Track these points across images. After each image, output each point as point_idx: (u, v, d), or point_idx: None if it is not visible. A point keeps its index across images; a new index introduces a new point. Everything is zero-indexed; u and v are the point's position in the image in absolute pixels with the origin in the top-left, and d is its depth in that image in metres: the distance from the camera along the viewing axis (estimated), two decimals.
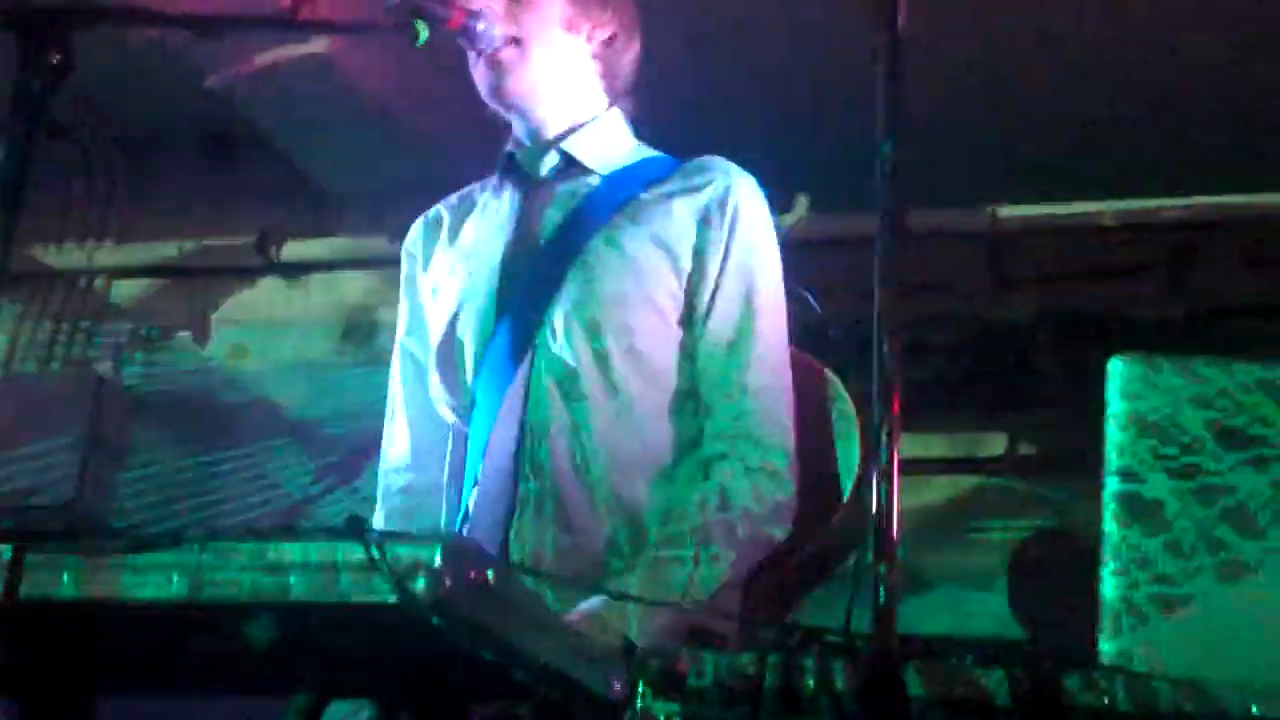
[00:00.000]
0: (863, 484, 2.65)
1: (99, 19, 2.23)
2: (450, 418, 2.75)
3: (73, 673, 2.11)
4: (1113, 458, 1.73)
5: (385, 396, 2.92)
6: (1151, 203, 5.59)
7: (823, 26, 4.88)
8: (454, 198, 2.94)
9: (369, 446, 3.29)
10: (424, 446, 2.82)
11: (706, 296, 2.64)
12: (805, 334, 2.82)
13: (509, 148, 2.81)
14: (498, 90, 2.71)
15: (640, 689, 1.61)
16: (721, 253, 2.65)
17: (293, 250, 6.12)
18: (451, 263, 2.80)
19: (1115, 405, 1.76)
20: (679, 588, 2.43)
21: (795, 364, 2.72)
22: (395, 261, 5.69)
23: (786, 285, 2.73)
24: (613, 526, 2.56)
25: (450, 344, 2.71)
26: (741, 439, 2.58)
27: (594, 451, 2.59)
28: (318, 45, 4.96)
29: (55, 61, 1.98)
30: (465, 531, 2.57)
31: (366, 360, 5.80)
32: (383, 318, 5.83)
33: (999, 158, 5.38)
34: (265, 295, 6.20)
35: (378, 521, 2.77)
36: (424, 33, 2.53)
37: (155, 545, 1.70)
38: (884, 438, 1.48)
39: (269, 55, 5.02)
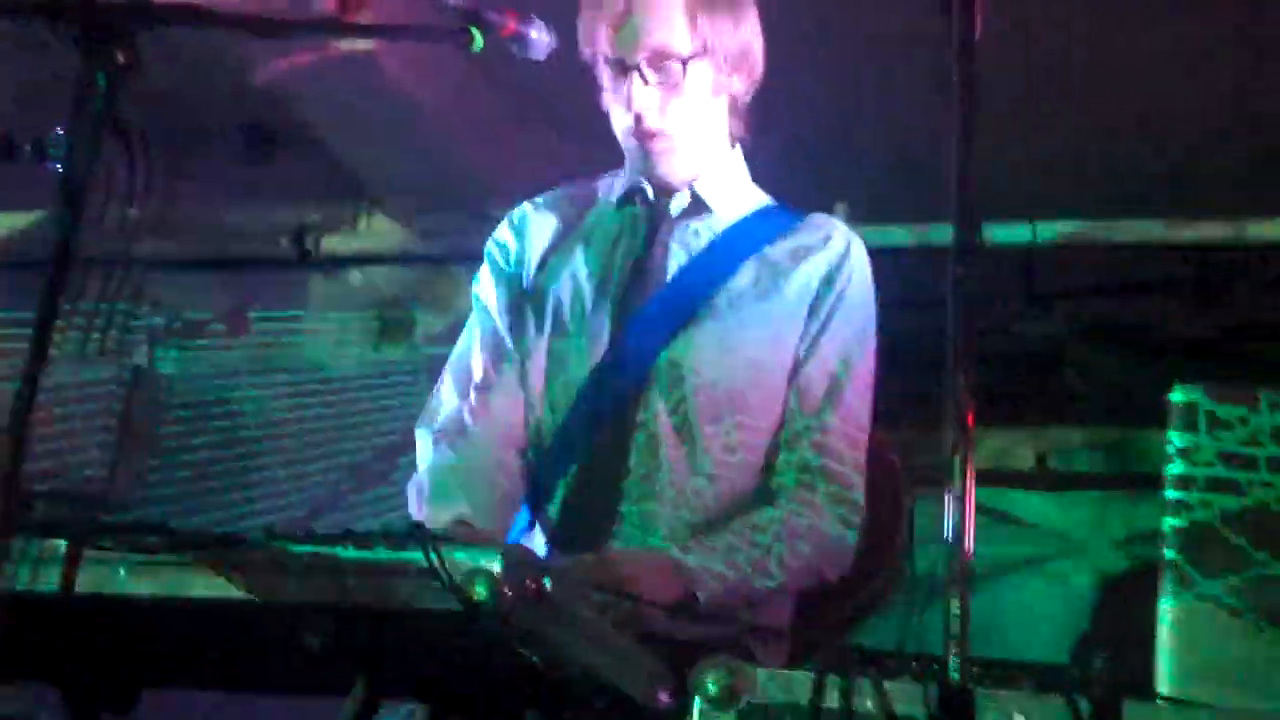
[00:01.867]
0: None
1: (159, 19, 2.25)
2: (519, 421, 2.76)
3: (122, 666, 2.12)
4: (1173, 487, 1.72)
5: (420, 391, 2.91)
6: (1185, 220, 5.58)
7: (869, 36, 4.88)
8: (560, 195, 2.95)
9: (404, 443, 3.29)
10: (501, 419, 2.81)
11: (805, 349, 2.70)
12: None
13: (634, 181, 2.82)
14: (642, 134, 2.70)
15: (698, 705, 1.61)
16: (828, 316, 2.71)
17: (330, 244, 6.13)
18: (555, 276, 2.82)
19: (1177, 436, 1.75)
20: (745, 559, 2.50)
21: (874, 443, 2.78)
22: (431, 258, 5.70)
23: None
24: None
25: (552, 353, 2.76)
26: (817, 481, 2.61)
27: (695, 488, 2.62)
28: (361, 44, 4.97)
29: (122, 61, 1.98)
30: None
31: (402, 355, 5.81)
32: (419, 313, 5.83)
33: (1036, 173, 5.37)
34: (302, 288, 6.21)
35: (414, 491, 2.77)
36: (479, 39, 2.53)
37: (215, 545, 1.71)
38: (958, 462, 1.47)
39: (313, 52, 5.03)
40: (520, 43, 2.64)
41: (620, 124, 2.72)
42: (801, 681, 1.61)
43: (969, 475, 1.46)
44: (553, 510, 2.65)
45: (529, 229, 2.89)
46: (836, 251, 2.75)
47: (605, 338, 2.70)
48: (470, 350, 2.88)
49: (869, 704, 1.55)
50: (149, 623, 1.85)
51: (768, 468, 2.66)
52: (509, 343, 2.83)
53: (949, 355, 1.60)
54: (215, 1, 2.34)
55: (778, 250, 2.76)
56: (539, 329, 2.76)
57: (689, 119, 2.70)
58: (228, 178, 6.32)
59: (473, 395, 2.82)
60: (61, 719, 2.09)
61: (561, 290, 2.77)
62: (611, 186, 2.86)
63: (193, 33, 5.15)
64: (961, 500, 1.45)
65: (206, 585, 1.71)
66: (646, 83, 2.65)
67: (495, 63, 2.75)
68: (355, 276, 6.13)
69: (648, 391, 2.65)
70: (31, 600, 1.77)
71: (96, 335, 6.29)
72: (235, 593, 1.69)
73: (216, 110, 6.16)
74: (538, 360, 2.75)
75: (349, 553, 1.64)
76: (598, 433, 2.66)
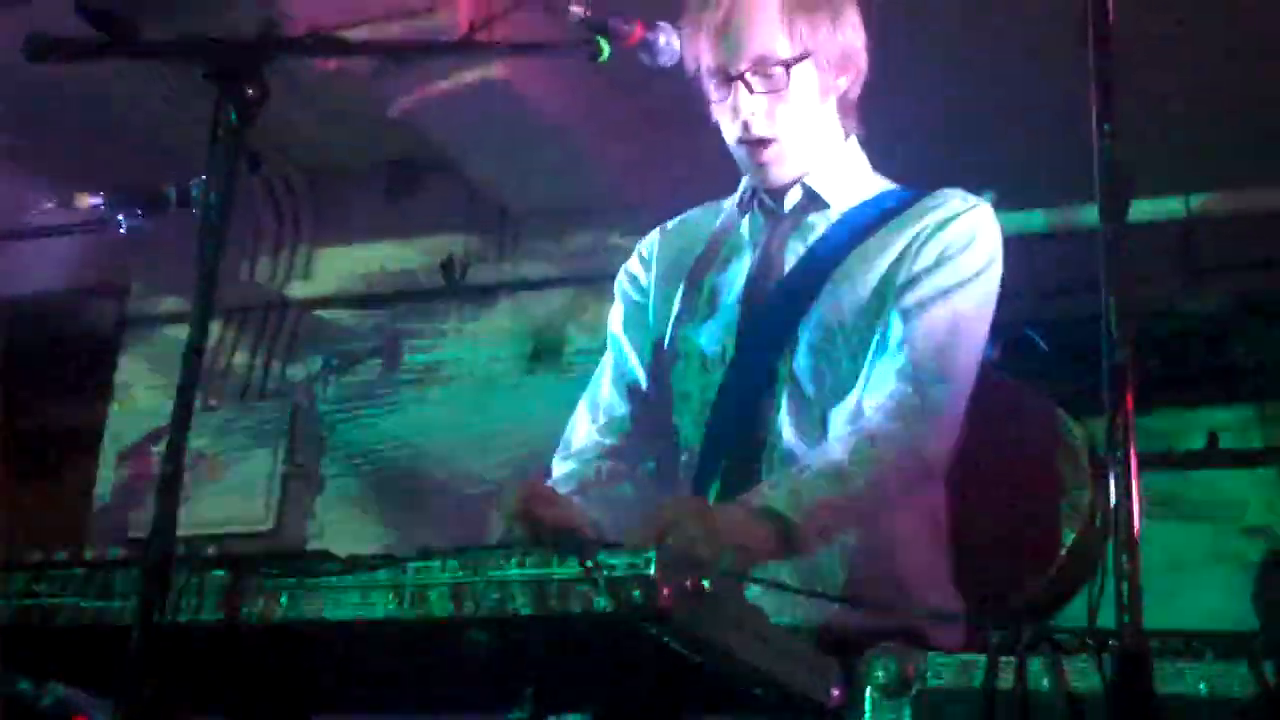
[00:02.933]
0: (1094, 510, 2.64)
1: (290, 50, 2.27)
2: (662, 423, 2.76)
3: (289, 693, 2.14)
4: None
5: (574, 411, 2.92)
6: None
7: (1009, 20, 4.82)
8: (691, 216, 2.96)
9: None
10: (637, 429, 2.81)
11: (912, 305, 2.61)
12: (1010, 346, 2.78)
13: (752, 181, 2.81)
14: (752, 141, 2.69)
15: (870, 695, 1.58)
16: (933, 262, 2.63)
17: (477, 273, 6.18)
18: (685, 286, 2.82)
19: None
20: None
21: (1025, 402, 2.71)
22: (579, 280, 5.72)
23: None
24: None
25: (683, 359, 2.74)
26: (907, 409, 2.54)
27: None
28: (496, 70, 5.01)
29: (251, 94, 2.00)
30: None
31: (555, 379, 5.83)
32: (570, 336, 5.85)
33: (1192, 144, 5.25)
34: (453, 318, 6.26)
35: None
36: (606, 49, 2.52)
37: (371, 566, 1.71)
38: (1120, 431, 1.42)
39: (448, 81, 5.08)
40: (648, 50, 2.63)
41: (730, 133, 2.72)
42: (974, 665, 1.58)
43: (1131, 444, 1.41)
44: None
45: (657, 255, 2.91)
46: (947, 213, 2.67)
47: (731, 347, 2.68)
48: (601, 383, 2.90)
49: (1044, 683, 1.51)
50: (313, 647, 1.86)
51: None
52: (641, 376, 2.84)
53: (1103, 323, 1.55)
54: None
55: (889, 227, 2.70)
56: (677, 357, 2.76)
57: (796, 123, 2.69)
58: (374, 213, 6.41)
59: (607, 426, 2.84)
60: None
61: (691, 308, 2.77)
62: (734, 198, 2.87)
63: (327, 76, 5.23)
64: (1126, 469, 1.40)
65: (367, 607, 1.71)
66: (751, 91, 2.65)
67: (629, 75, 2.76)
68: (504, 302, 6.17)
69: (773, 398, 2.63)
70: (196, 630, 1.79)
71: (258, 378, 6.40)
72: (396, 613, 1.69)
73: (356, 149, 6.26)
74: (671, 384, 2.75)
75: (505, 562, 1.63)
76: (730, 450, 2.64)
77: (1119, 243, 1.64)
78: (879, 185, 2.82)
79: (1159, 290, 5.72)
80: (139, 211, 2.89)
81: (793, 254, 2.73)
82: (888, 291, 2.63)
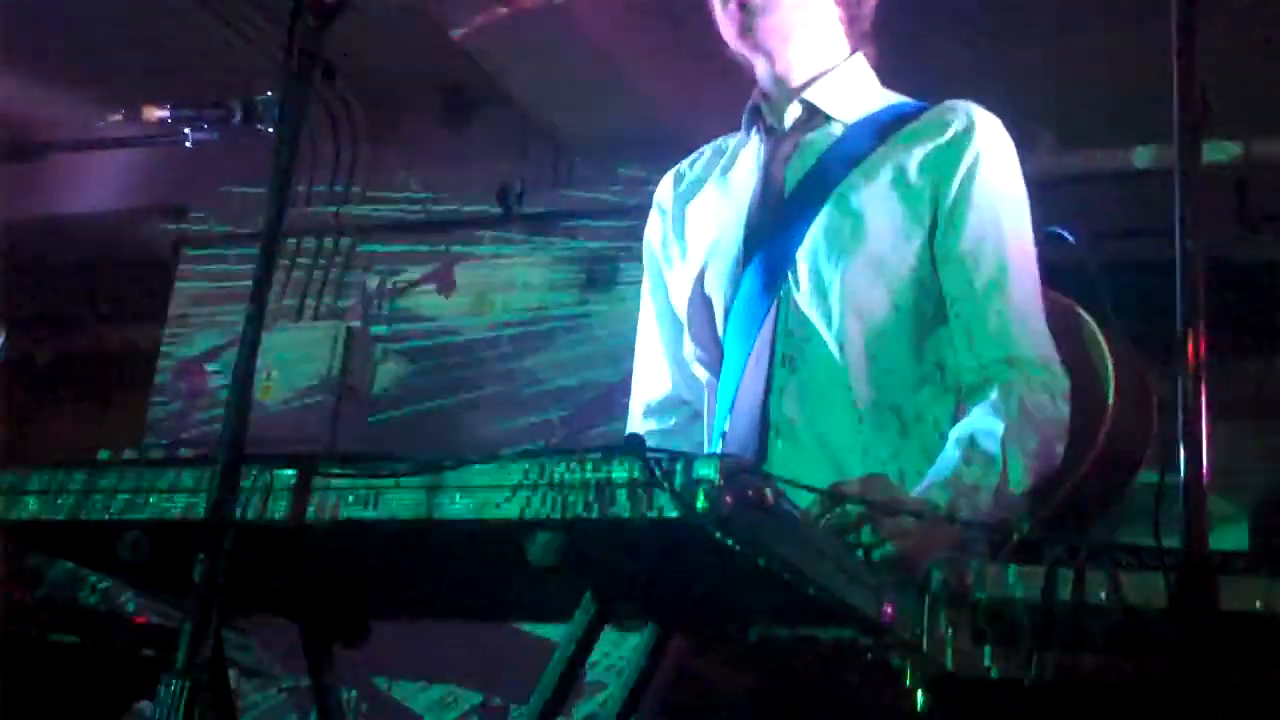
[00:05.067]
0: (1121, 415, 2.61)
1: None
2: (703, 374, 2.76)
3: (353, 595, 2.17)
4: None
5: (627, 339, 2.94)
6: None
7: None
8: (706, 150, 2.92)
9: (613, 392, 3.32)
10: (681, 385, 2.84)
11: (953, 235, 2.59)
12: (1058, 275, 2.76)
13: (754, 100, 2.79)
14: (746, 31, 2.68)
15: (928, 604, 1.60)
16: (963, 193, 2.59)
17: (532, 201, 6.20)
18: (698, 218, 2.80)
19: None
20: (984, 504, 2.37)
21: (1047, 301, 2.67)
22: (631, 210, 5.75)
23: (1037, 224, 2.67)
24: (869, 463, 2.54)
25: (700, 298, 2.73)
26: (1016, 362, 2.53)
27: (842, 395, 2.57)
28: None
29: (328, 1, 2.02)
30: None
31: (608, 308, 5.86)
32: (623, 266, 5.88)
33: (1248, 89, 5.20)
34: (507, 246, 6.29)
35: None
36: None
37: (438, 467, 1.73)
38: (1191, 342, 1.44)
39: (507, 6, 5.08)
40: None
41: (727, 31, 2.69)
42: (1034, 575, 1.59)
43: (1201, 355, 1.43)
44: (719, 442, 2.65)
45: (672, 200, 2.89)
46: (958, 130, 2.63)
47: (738, 271, 2.67)
48: (654, 324, 2.90)
49: (1102, 595, 1.53)
50: (377, 549, 1.88)
51: (938, 367, 2.60)
52: (671, 309, 2.83)
53: (1179, 254, 1.57)
54: None
55: (893, 142, 2.66)
56: (693, 276, 2.75)
57: (791, 19, 2.66)
58: (430, 140, 6.43)
59: (675, 368, 2.85)
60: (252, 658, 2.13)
61: (707, 231, 2.76)
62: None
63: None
64: (1197, 380, 1.41)
65: (431, 508, 1.73)
66: None
67: (686, 5, 2.76)
68: (558, 230, 6.19)
69: (777, 326, 2.62)
70: (262, 528, 1.82)
71: (312, 299, 6.46)
72: (461, 514, 1.71)
73: (414, 76, 6.27)
74: (696, 305, 2.75)
75: (569, 466, 1.65)
76: (745, 362, 2.63)
77: (1193, 182, 1.66)
78: (886, 99, 2.77)
79: (1211, 238, 5.68)
80: (205, 125, 2.90)
81: (794, 174, 2.69)
82: (910, 211, 2.60)
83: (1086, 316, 2.75)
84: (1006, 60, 5.14)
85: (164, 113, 2.91)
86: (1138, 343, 2.66)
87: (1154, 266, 2.46)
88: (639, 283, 2.95)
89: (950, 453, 2.43)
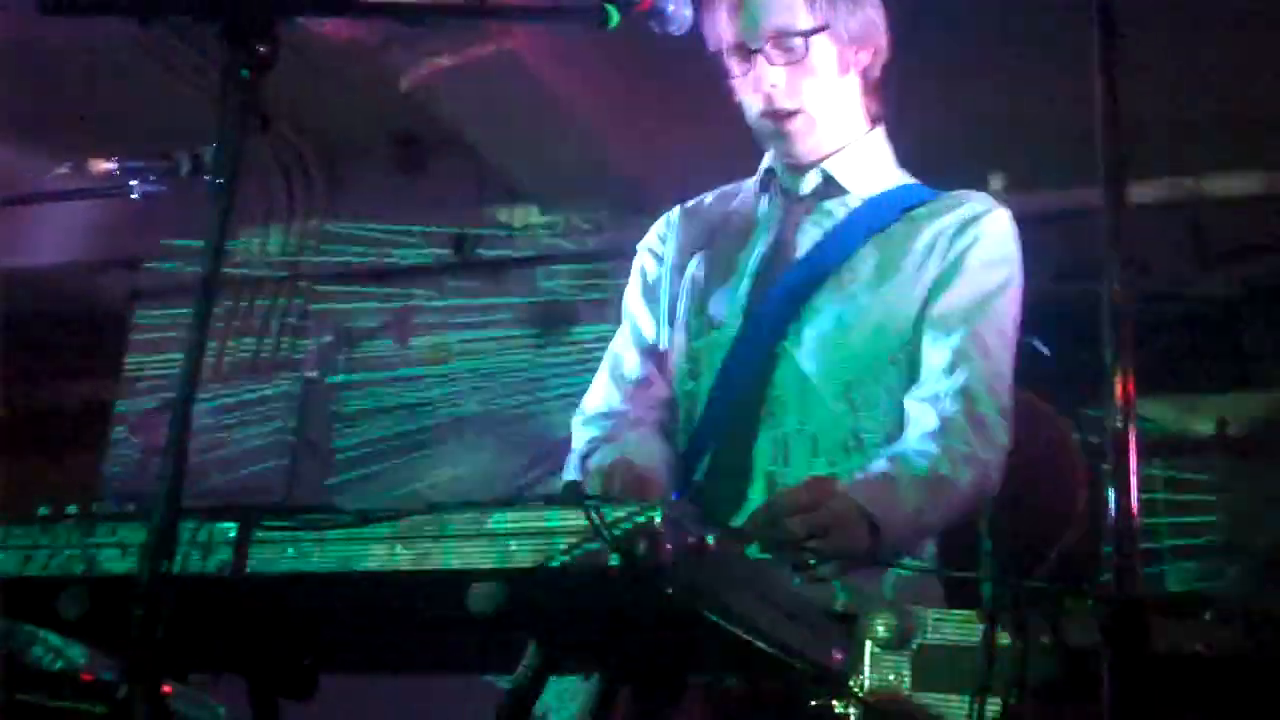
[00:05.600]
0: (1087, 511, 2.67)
1: (301, 8, 2.28)
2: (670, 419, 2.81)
3: (298, 648, 2.15)
4: None
5: (582, 386, 2.95)
6: None
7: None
8: (709, 197, 2.99)
9: (568, 438, 3.31)
10: (654, 392, 2.86)
11: (938, 305, 2.66)
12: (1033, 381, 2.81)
13: (770, 163, 2.85)
14: (790, 95, 2.71)
15: (870, 650, 1.59)
16: (956, 265, 2.68)
17: (488, 248, 6.20)
18: (701, 264, 2.85)
19: None
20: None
21: (1032, 410, 2.75)
22: (589, 256, 5.76)
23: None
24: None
25: (696, 336, 2.78)
26: (955, 433, 2.56)
27: (826, 465, 2.60)
28: (506, 43, 5.02)
29: (262, 51, 2.01)
30: None
31: (565, 354, 5.85)
32: (580, 311, 5.87)
33: (1202, 125, 5.24)
34: (463, 294, 6.28)
35: (572, 461, 2.82)
36: (615, 16, 2.52)
37: (378, 519, 1.73)
38: (1120, 401, 1.45)
39: (458, 55, 5.09)
40: (658, 18, 2.62)
41: (752, 108, 2.76)
42: (973, 620, 1.59)
43: (1131, 416, 1.44)
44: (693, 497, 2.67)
45: (678, 231, 2.95)
46: (966, 215, 2.73)
47: (740, 325, 2.72)
48: (622, 349, 2.93)
49: (1043, 639, 1.53)
50: (320, 598, 1.87)
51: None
52: (659, 343, 2.88)
53: (1104, 312, 1.58)
54: None
55: (904, 223, 2.74)
56: (687, 327, 2.79)
57: (819, 95, 2.73)
58: (384, 188, 6.43)
59: (626, 390, 2.88)
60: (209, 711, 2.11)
61: (707, 284, 2.81)
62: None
63: (338, 48, 5.23)
64: (1125, 438, 1.42)
65: (374, 559, 1.72)
66: (772, 62, 2.70)
67: (638, 50, 2.77)
68: (513, 277, 6.19)
69: (772, 376, 2.66)
70: (203, 582, 1.80)
71: (268, 349, 6.43)
72: (402, 565, 1.71)
73: (368, 124, 6.27)
74: (685, 356, 2.79)
75: (509, 515, 1.64)
76: (732, 419, 2.67)
77: (1119, 224, 1.67)
78: (901, 178, 2.84)
79: (1167, 273, 5.70)
80: (152, 177, 2.89)
81: (807, 238, 2.76)
82: (911, 287, 2.67)
83: (1057, 417, 2.82)
84: (962, 101, 5.17)
85: (111, 165, 2.90)
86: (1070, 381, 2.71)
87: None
88: (596, 328, 2.97)
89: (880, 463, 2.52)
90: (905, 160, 2.87)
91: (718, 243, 2.86)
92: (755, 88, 2.71)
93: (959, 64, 5.05)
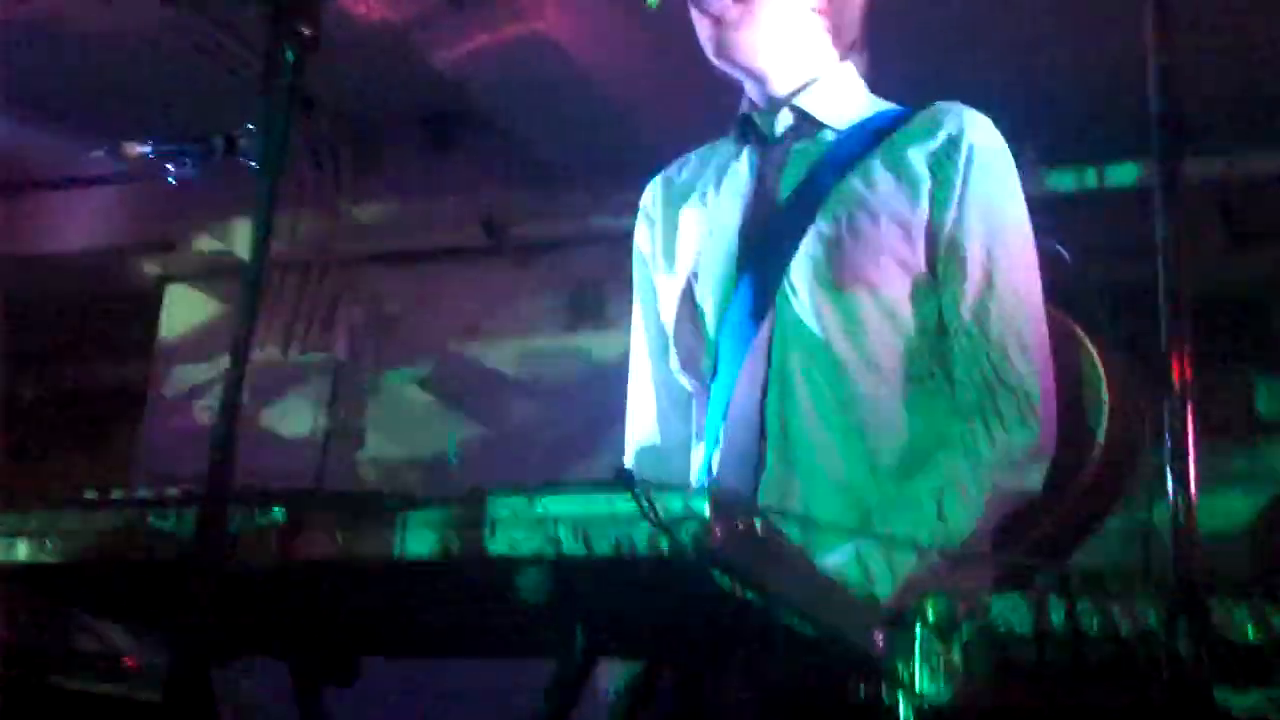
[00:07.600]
0: (1111, 440, 2.61)
1: None
2: (688, 384, 2.76)
3: (341, 634, 2.16)
4: None
5: (616, 368, 2.93)
6: None
7: None
8: (690, 158, 2.93)
9: (604, 417, 3.31)
10: (668, 410, 2.83)
11: (948, 238, 2.58)
12: (1053, 291, 2.75)
13: (743, 109, 2.80)
14: (723, 48, 2.69)
15: (920, 634, 1.59)
16: (959, 193, 2.58)
17: (519, 230, 6.19)
18: (688, 225, 2.79)
19: None
20: (926, 540, 2.39)
21: (1055, 329, 2.66)
22: (621, 236, 5.75)
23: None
24: (857, 477, 2.53)
25: (690, 308, 2.72)
26: (991, 386, 2.53)
27: (836, 406, 2.56)
28: (538, 23, 5.01)
29: (306, 34, 2.01)
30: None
31: (597, 336, 5.85)
32: (611, 292, 5.86)
33: (1233, 105, 5.20)
34: (494, 275, 6.28)
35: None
36: None
37: (424, 504, 1.72)
38: (1180, 366, 1.44)
39: (489, 35, 5.07)
40: None
41: (709, 47, 2.70)
42: (1025, 605, 1.58)
43: (1189, 380, 1.42)
44: (710, 458, 2.65)
45: (661, 202, 2.89)
46: (950, 130, 2.63)
47: (732, 282, 2.66)
48: (634, 346, 2.91)
49: (1094, 624, 1.52)
50: (364, 587, 1.87)
51: (928, 385, 2.59)
52: (660, 322, 2.83)
53: (1160, 297, 1.57)
54: None
55: (885, 146, 2.66)
56: (683, 284, 2.75)
57: (767, 33, 2.68)
58: (415, 170, 6.43)
59: (645, 391, 2.87)
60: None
61: (699, 239, 2.75)
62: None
63: (370, 28, 5.22)
64: (1184, 407, 1.41)
65: (419, 544, 1.72)
66: None
67: (673, 29, 2.76)
68: (545, 259, 6.19)
69: (775, 324, 2.61)
70: (250, 568, 1.80)
71: (299, 332, 6.44)
72: (450, 550, 1.70)
73: (398, 105, 6.27)
74: (686, 313, 2.74)
75: (558, 501, 1.64)
76: (740, 372, 2.62)
77: (1174, 202, 1.65)
78: (877, 106, 2.78)
79: (1198, 254, 5.67)
80: (187, 160, 2.89)
81: (788, 182, 2.69)
82: (913, 210, 2.59)
83: (1083, 335, 2.74)
84: (984, 75, 5.15)
85: (145, 149, 2.91)
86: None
87: (1133, 288, 2.46)
88: (628, 310, 2.94)
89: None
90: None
91: (704, 202, 2.79)
92: (708, 25, 2.67)
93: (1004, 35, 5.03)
